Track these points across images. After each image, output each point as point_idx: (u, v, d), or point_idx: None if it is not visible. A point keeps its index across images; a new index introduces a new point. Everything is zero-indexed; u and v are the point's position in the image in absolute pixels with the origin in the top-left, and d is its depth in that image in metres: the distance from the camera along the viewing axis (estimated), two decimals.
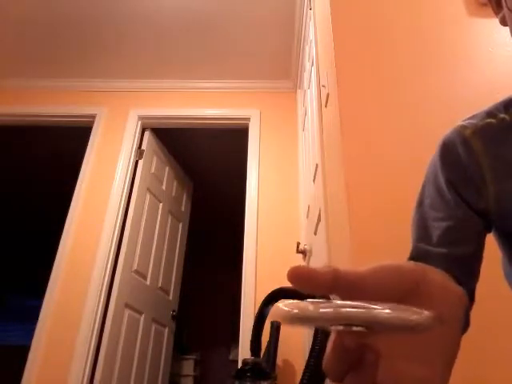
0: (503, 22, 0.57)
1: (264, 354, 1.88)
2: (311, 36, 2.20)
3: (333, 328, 0.25)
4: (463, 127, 0.58)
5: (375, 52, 1.49)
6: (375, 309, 0.24)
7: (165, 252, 3.13)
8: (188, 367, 4.50)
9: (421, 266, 0.31)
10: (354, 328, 0.24)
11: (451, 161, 0.58)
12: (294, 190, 2.82)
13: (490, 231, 0.58)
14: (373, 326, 0.24)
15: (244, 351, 2.26)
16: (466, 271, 0.55)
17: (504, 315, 0.98)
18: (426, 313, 0.24)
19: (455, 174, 0.57)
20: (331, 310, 0.24)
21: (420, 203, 0.60)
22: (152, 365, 2.78)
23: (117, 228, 2.71)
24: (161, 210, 3.15)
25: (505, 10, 0.55)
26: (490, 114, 0.58)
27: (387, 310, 0.23)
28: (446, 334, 0.29)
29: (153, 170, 3.10)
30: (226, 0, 2.63)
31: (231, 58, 3.06)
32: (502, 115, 0.57)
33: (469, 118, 0.59)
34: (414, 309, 0.24)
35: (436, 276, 0.31)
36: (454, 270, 0.50)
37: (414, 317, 0.24)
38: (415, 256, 0.57)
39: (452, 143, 0.58)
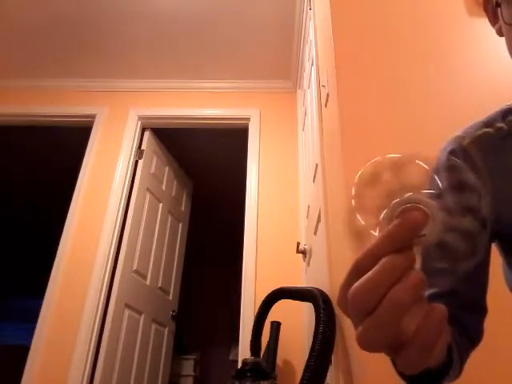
0: (499, 33, 0.59)
1: (264, 353, 1.88)
2: (311, 36, 2.19)
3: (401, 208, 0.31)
4: (461, 137, 0.60)
5: (375, 52, 1.49)
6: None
7: (165, 252, 3.13)
8: (188, 367, 4.50)
9: None
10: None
11: (452, 170, 0.58)
12: (294, 190, 2.82)
13: (492, 241, 0.59)
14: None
15: (244, 351, 2.26)
16: (475, 284, 0.56)
17: (505, 317, 0.98)
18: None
19: (456, 183, 0.57)
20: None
21: None
22: (152, 365, 2.78)
23: (117, 228, 2.71)
24: (161, 209, 3.15)
25: (501, 22, 0.56)
26: (487, 123, 0.60)
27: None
28: None
29: (153, 170, 3.10)
30: (226, 0, 2.63)
31: (231, 58, 3.05)
32: (500, 124, 0.59)
33: (466, 128, 0.61)
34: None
35: None
36: (461, 284, 0.51)
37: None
38: None
39: (453, 153, 0.59)
